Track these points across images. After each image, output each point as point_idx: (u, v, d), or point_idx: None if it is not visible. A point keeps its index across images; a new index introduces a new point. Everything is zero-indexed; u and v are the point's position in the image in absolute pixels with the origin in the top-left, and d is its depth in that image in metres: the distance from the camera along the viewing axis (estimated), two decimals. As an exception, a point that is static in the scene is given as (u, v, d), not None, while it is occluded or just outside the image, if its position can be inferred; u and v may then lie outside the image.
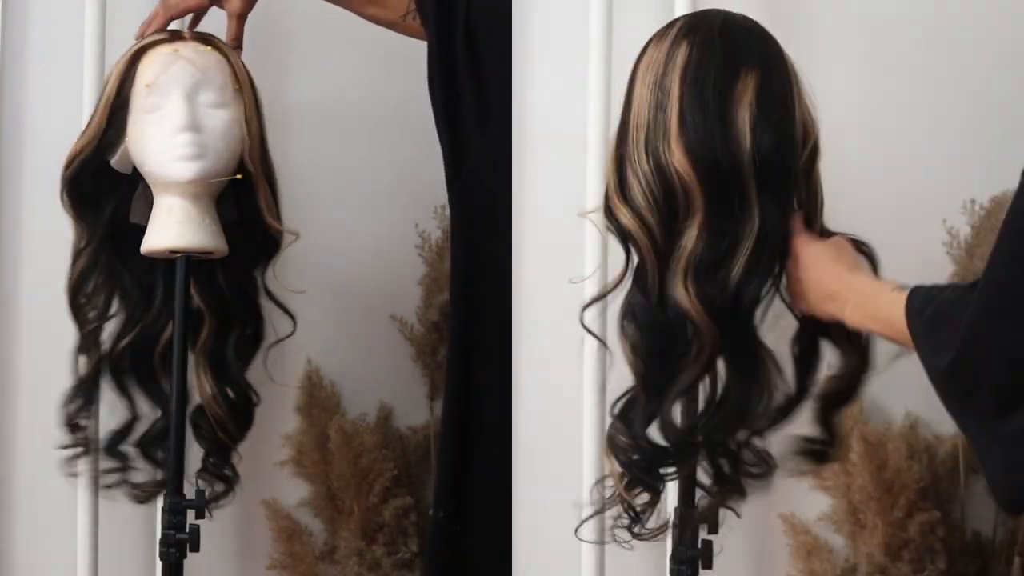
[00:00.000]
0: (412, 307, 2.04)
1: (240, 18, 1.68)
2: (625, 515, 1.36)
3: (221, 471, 1.72)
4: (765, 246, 1.24)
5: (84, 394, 1.68)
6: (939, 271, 1.59)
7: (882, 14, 1.62)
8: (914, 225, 1.60)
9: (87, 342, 1.67)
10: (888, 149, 1.61)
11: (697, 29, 1.28)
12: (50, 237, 1.86)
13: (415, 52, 1.69)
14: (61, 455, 1.71)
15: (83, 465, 1.73)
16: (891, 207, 1.57)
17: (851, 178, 1.33)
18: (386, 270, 2.04)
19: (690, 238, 1.24)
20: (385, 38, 1.86)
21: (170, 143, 1.52)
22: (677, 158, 1.23)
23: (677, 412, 1.33)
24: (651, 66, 1.28)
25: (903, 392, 1.56)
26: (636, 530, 1.36)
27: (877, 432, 1.61)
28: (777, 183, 1.24)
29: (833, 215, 1.32)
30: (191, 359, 1.66)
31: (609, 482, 1.37)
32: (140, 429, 1.71)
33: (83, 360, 1.67)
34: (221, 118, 1.54)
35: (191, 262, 1.61)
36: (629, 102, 1.30)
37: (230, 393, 1.68)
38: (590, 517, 1.43)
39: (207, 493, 1.69)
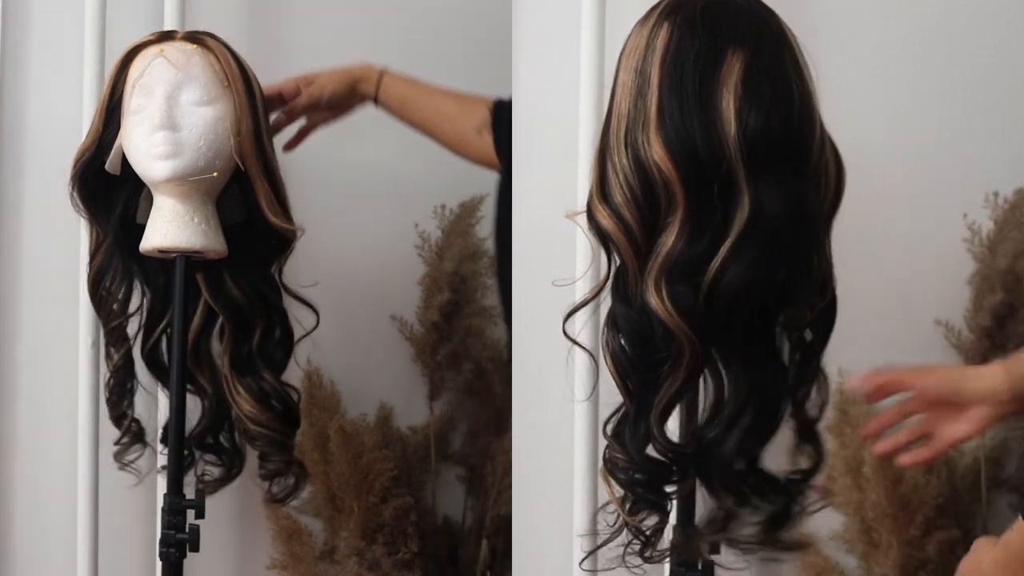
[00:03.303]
0: (412, 307, 2.00)
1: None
2: (636, 540, 1.23)
3: (286, 467, 1.66)
4: (757, 232, 1.10)
5: (119, 386, 1.65)
6: (959, 270, 1.48)
7: (899, 2, 1.54)
8: (932, 221, 1.48)
9: (114, 336, 1.63)
10: (905, 140, 1.50)
11: (679, 9, 1.15)
12: (50, 237, 1.84)
13: (416, 51, 1.67)
14: (113, 449, 1.67)
15: (136, 455, 1.68)
16: (908, 202, 1.46)
17: (866, 171, 1.26)
18: (386, 270, 1.99)
19: (669, 235, 1.12)
20: (385, 38, 1.83)
21: (148, 142, 1.48)
22: (656, 150, 1.11)
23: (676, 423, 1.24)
24: (633, 52, 1.16)
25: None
26: (648, 554, 1.24)
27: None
28: (771, 164, 1.11)
29: (848, 210, 1.22)
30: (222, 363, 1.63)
31: (611, 508, 1.24)
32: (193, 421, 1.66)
33: (115, 353, 1.64)
34: (203, 116, 1.49)
35: (195, 263, 1.56)
36: (613, 92, 1.19)
37: (271, 399, 1.62)
38: (596, 549, 1.29)
39: (273, 491, 1.65)
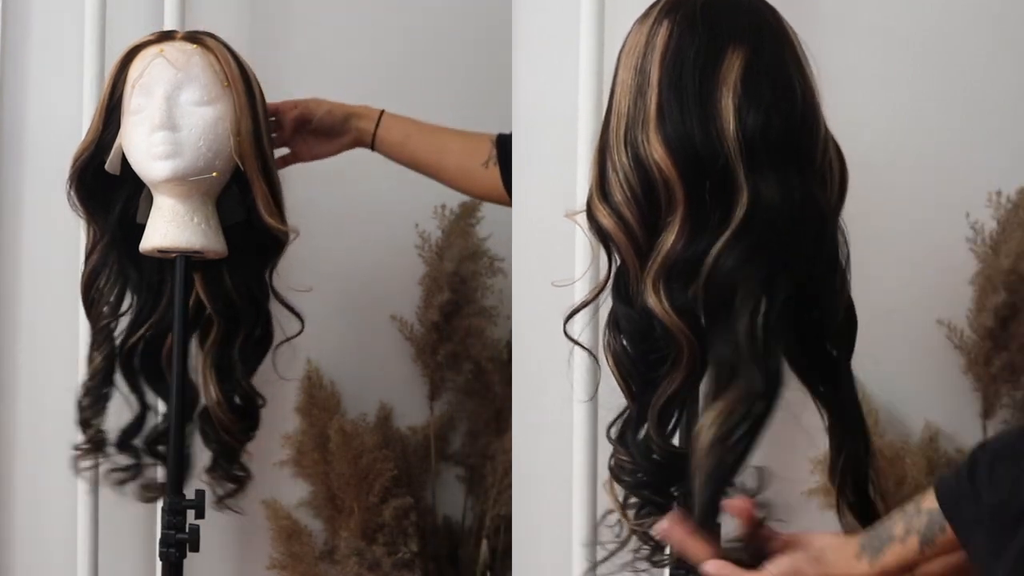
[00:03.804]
0: (412, 307, 1.98)
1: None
2: (645, 546, 1.21)
3: (230, 472, 1.67)
4: (753, 229, 1.08)
5: (96, 390, 1.63)
6: (962, 270, 1.46)
7: (900, 2, 1.52)
8: (934, 220, 1.46)
9: (99, 338, 1.62)
10: (907, 139, 1.48)
11: (679, 7, 1.13)
12: (50, 237, 1.83)
13: (416, 51, 1.66)
14: (70, 454, 1.66)
15: (93, 463, 1.67)
16: (910, 201, 1.44)
17: (867, 170, 1.24)
18: (386, 270, 1.98)
19: (669, 235, 1.10)
20: (385, 38, 1.82)
21: (148, 142, 1.48)
22: (656, 148, 1.09)
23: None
24: (633, 49, 1.15)
25: (921, 401, 1.46)
26: (656, 559, 1.22)
27: (894, 447, 1.46)
28: (771, 163, 1.09)
29: (849, 209, 1.20)
30: (200, 362, 1.62)
31: (614, 517, 1.23)
32: (149, 426, 1.67)
33: (97, 356, 1.63)
34: (202, 116, 1.49)
35: (194, 263, 1.55)
36: (612, 90, 1.17)
37: (236, 397, 1.63)
38: (604, 560, 1.26)
39: (217, 492, 1.66)
